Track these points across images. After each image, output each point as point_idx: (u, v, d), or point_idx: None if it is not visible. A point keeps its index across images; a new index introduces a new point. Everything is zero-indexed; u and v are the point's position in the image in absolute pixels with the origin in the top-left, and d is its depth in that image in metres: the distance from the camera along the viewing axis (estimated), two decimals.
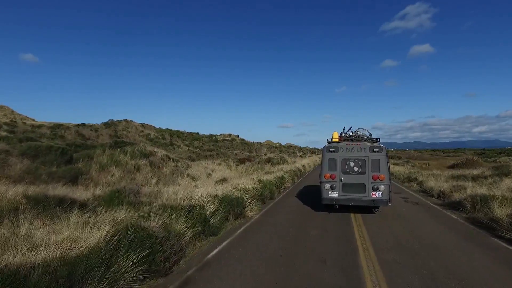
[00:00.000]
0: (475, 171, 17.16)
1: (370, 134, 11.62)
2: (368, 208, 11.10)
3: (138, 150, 23.88)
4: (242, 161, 39.25)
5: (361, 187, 10.06)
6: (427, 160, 63.85)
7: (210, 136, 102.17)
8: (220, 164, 36.13)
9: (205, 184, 19.53)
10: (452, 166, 43.85)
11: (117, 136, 55.78)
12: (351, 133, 11.78)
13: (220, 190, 11.24)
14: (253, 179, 17.49)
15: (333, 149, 10.50)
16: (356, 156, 10.24)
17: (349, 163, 10.27)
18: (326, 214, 10.51)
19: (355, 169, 10.20)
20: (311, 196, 14.57)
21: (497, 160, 55.76)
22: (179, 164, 24.01)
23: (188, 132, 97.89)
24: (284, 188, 16.91)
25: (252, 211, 10.19)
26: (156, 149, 26.94)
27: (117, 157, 21.37)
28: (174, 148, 63.30)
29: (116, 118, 76.81)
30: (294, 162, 35.07)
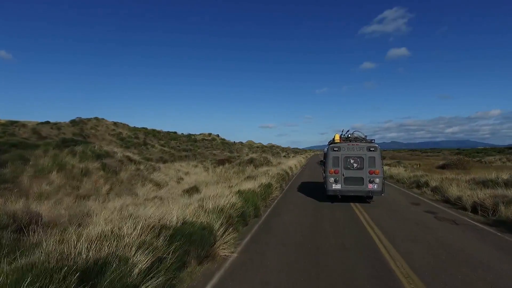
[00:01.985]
0: (504, 175, 14.11)
1: (365, 135, 13.12)
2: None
3: (90, 150, 19.50)
4: (221, 162, 35.29)
5: (360, 180, 11.67)
6: (410, 159, 62.20)
7: (189, 135, 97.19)
8: (196, 166, 32.01)
9: (170, 193, 15.55)
10: (442, 167, 41.67)
11: (82, 135, 50.23)
12: (349, 135, 13.23)
13: (180, 210, 7.41)
14: (231, 187, 13.69)
15: (337, 149, 12.03)
16: (356, 154, 11.83)
17: (350, 160, 11.84)
18: (343, 252, 6.84)
19: (355, 165, 11.80)
20: (310, 210, 10.93)
21: (482, 160, 54.50)
22: (142, 167, 19.79)
23: (165, 131, 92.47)
24: (272, 199, 13.18)
25: (226, 247, 6.36)
26: (116, 149, 22.55)
27: (62, 158, 16.99)
28: (147, 148, 58.29)
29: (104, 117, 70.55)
30: (279, 163, 31.46)
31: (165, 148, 59.79)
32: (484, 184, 13.41)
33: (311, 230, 8.21)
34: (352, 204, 12.00)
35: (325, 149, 13.90)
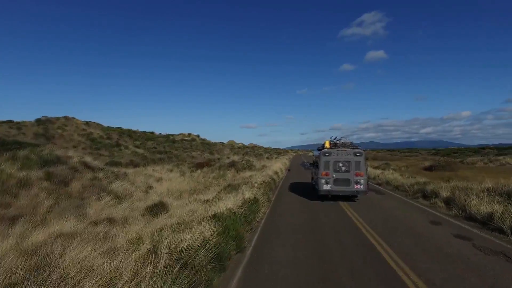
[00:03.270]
0: None
1: (351, 142, 14.48)
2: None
3: (37, 155, 16.14)
4: (199, 165, 32.28)
5: (347, 182, 13.24)
6: (391, 160, 61.29)
7: (167, 135, 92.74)
8: (171, 171, 28.82)
9: (131, 209, 12.55)
10: (429, 168, 40.44)
11: (46, 136, 45.65)
12: (337, 141, 14.60)
13: (121, 257, 4.63)
14: (207, 202, 10.95)
15: (328, 154, 13.47)
16: (344, 159, 13.37)
17: (339, 164, 13.36)
18: None
19: (343, 168, 13.31)
20: (308, 233, 8.32)
21: (464, 161, 54.02)
22: (101, 175, 16.58)
23: (141, 132, 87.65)
24: (259, 217, 10.47)
25: None
26: (71, 153, 19.20)
27: None
28: (120, 150, 54.16)
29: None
30: (263, 166, 28.87)
31: (139, 150, 55.71)
32: (510, 195, 11.30)
33: (319, 274, 5.58)
34: (363, 229, 9.49)
35: (317, 154, 15.26)
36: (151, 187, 19.46)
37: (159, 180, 23.06)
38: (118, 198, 14.45)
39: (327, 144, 14.32)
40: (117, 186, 16.10)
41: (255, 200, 10.43)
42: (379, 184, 20.73)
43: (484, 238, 8.18)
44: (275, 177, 21.88)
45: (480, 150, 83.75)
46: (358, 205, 13.03)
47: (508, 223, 8.67)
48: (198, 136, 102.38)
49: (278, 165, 31.21)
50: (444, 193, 13.47)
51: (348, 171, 13.21)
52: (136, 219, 10.09)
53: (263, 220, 10.21)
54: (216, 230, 6.66)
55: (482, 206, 10.28)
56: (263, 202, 11.44)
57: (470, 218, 10.38)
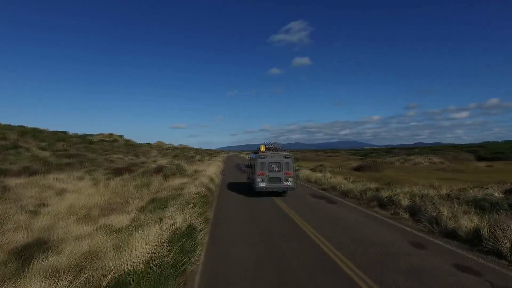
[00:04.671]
0: (495, 191, 11.35)
1: (281, 146, 18.03)
2: None
3: None
4: (119, 171, 27.11)
5: (279, 180, 15.56)
6: (320, 160, 63.09)
7: (84, 136, 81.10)
8: (82, 179, 23.26)
9: None
10: (358, 169, 41.72)
11: None
12: (271, 146, 17.55)
13: None
14: (118, 233, 7.45)
15: (263, 157, 15.64)
16: (276, 161, 15.64)
17: (272, 165, 15.55)
18: None
19: (276, 169, 15.54)
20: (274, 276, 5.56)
21: (384, 161, 57.66)
22: None
23: (50, 131, 74.78)
24: (195, 258, 7.26)
25: None
26: None
27: None
28: (19, 153, 44.38)
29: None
30: (196, 171, 25.33)
31: (45, 153, 46.44)
32: (477, 204, 10.23)
33: None
34: (337, 259, 7.09)
35: (253, 157, 16.98)
36: (45, 204, 14.51)
37: (61, 192, 17.86)
38: None
39: (262, 148, 16.89)
40: None
41: (189, 230, 7.22)
42: (325, 190, 19.17)
43: (493, 270, 6.40)
44: (211, 185, 18.70)
45: (390, 150, 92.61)
46: (318, 220, 10.81)
47: (505, 243, 7.16)
48: (121, 136, 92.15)
49: (212, 170, 27.96)
50: (404, 202, 12.11)
51: (279, 171, 15.50)
52: None
53: (201, 261, 7.03)
54: None
55: (462, 220, 8.85)
56: (200, 230, 8.23)
57: (450, 234, 8.85)
